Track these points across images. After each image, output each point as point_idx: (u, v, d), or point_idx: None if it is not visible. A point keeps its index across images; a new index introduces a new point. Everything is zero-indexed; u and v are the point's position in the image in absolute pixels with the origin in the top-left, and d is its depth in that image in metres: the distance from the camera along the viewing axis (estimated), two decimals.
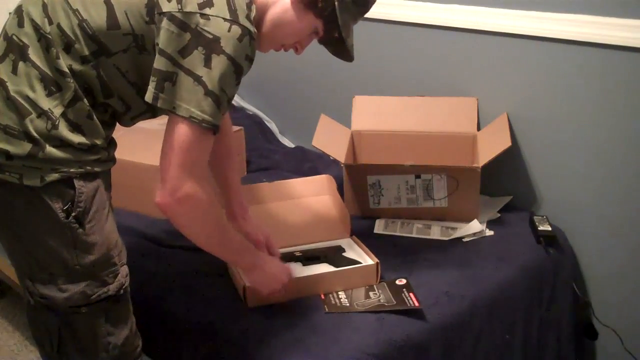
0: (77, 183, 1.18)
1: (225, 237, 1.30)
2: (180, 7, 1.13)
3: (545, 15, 1.77)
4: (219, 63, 1.12)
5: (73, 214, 1.18)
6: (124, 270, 1.28)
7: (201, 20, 1.12)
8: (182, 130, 1.14)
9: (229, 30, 1.13)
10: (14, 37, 1.17)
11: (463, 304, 1.52)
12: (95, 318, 1.24)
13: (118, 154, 1.34)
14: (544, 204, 1.93)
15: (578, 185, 1.83)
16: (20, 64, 1.16)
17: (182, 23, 1.12)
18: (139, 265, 1.44)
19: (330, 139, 1.95)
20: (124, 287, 1.27)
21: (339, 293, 1.52)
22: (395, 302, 1.47)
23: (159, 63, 1.14)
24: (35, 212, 1.18)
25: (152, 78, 1.15)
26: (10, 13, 1.22)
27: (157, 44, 1.14)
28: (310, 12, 1.27)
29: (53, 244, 1.19)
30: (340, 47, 1.32)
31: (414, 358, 1.39)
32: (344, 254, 1.63)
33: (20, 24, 1.18)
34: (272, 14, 1.27)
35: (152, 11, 1.15)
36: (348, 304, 1.47)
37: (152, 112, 1.29)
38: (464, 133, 2.00)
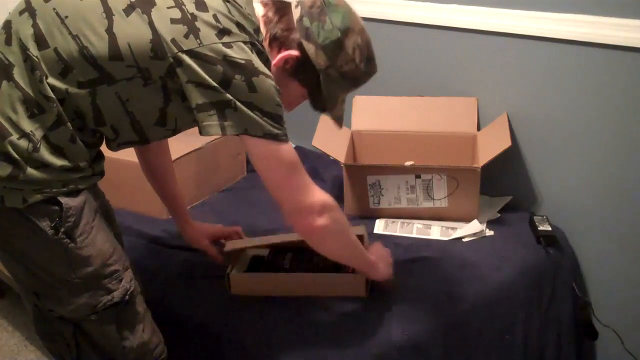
0: (63, 200, 1.15)
1: (355, 241, 1.36)
2: (200, 42, 1.11)
3: (545, 15, 1.77)
4: (261, 83, 1.13)
5: (62, 229, 1.15)
6: (128, 275, 1.26)
7: (227, 50, 1.11)
8: (271, 152, 1.17)
9: (252, 52, 1.14)
10: (0, 54, 1.13)
11: (463, 304, 1.52)
12: (105, 324, 1.23)
13: (118, 154, 1.33)
14: (544, 204, 1.93)
15: (578, 185, 1.83)
16: (4, 84, 1.12)
17: (209, 57, 1.11)
18: (139, 265, 1.44)
19: (330, 139, 1.95)
20: (129, 291, 1.25)
21: (286, 254, 1.59)
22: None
23: (207, 96, 1.12)
24: (24, 232, 1.15)
25: (207, 113, 1.12)
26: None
27: (184, 83, 1.11)
28: (294, 80, 1.27)
29: (47, 261, 1.17)
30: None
31: (414, 358, 1.39)
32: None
33: (8, 42, 1.14)
34: None
35: (159, 48, 1.11)
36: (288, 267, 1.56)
37: (143, 141, 1.25)
38: (464, 133, 2.00)
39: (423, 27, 2.07)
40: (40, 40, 1.12)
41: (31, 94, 1.11)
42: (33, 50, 1.11)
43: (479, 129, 2.00)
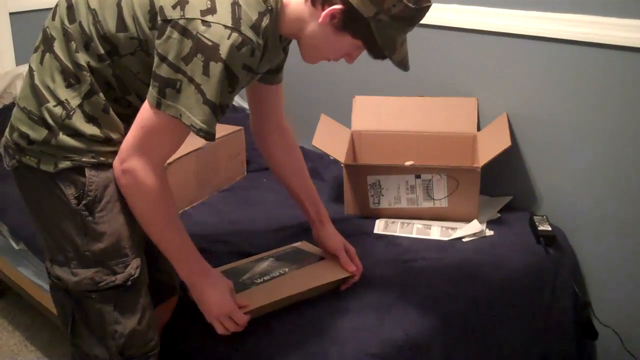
0: (88, 172, 1.22)
1: (166, 230, 1.27)
2: (182, 14, 1.13)
3: (545, 15, 1.77)
4: (216, 71, 1.12)
5: (83, 202, 1.22)
6: (136, 262, 1.28)
7: (202, 27, 1.12)
8: (165, 122, 1.16)
9: (228, 38, 1.12)
10: (47, 29, 1.24)
11: (463, 304, 1.52)
12: (103, 304, 1.26)
13: None
14: (544, 204, 1.93)
15: (578, 185, 1.83)
16: (47, 56, 1.22)
17: (184, 30, 1.12)
18: None
19: (330, 139, 1.95)
20: (132, 278, 1.27)
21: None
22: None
23: (160, 69, 1.14)
24: (51, 195, 1.23)
25: (152, 82, 1.15)
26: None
27: (156, 48, 1.14)
28: (346, 33, 1.21)
29: (66, 227, 1.24)
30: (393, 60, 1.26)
31: (414, 358, 1.39)
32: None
33: (53, 17, 1.25)
34: (306, 36, 1.24)
35: (155, 17, 1.16)
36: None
37: None
38: (464, 133, 2.00)
39: (423, 27, 2.06)
40: (71, 14, 1.22)
41: (68, 65, 1.20)
42: (67, 23, 1.21)
43: (479, 129, 2.00)
